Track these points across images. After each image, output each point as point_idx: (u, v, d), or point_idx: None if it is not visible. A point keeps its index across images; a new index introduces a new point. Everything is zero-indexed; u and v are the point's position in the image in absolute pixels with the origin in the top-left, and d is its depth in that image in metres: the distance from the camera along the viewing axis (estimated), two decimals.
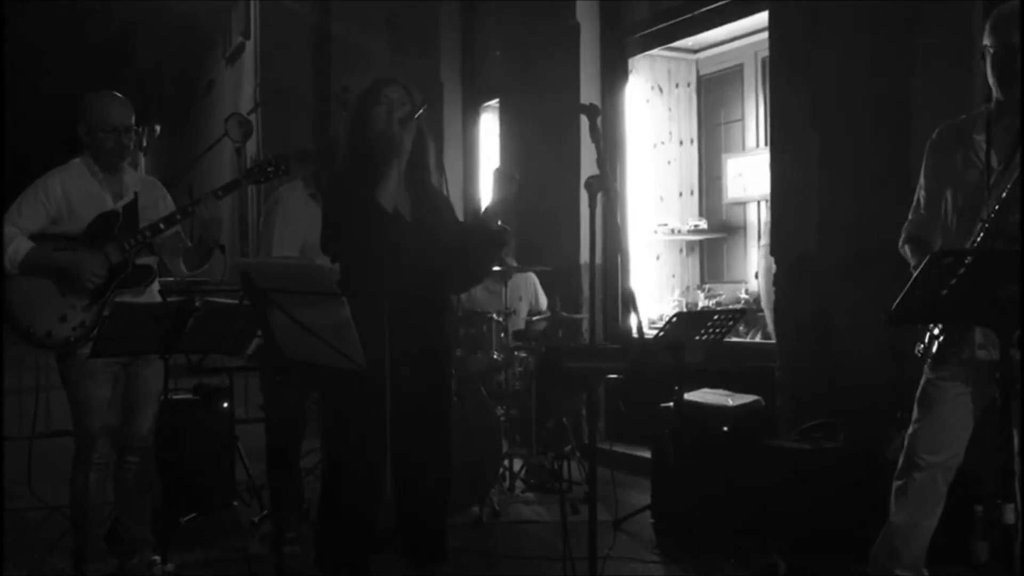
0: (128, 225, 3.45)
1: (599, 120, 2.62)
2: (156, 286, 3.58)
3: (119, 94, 3.55)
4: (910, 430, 2.93)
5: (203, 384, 4.59)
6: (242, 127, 4.99)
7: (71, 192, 3.43)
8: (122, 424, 3.51)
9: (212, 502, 4.37)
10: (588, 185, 2.55)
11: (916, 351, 2.87)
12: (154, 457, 3.62)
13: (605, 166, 2.56)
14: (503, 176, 3.05)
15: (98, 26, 15.68)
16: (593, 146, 2.60)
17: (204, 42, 16.14)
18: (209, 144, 6.15)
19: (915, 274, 2.16)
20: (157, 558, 3.45)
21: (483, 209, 3.04)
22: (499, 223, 3.00)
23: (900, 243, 3.00)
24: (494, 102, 7.66)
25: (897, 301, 2.17)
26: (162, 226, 3.43)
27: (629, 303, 6.30)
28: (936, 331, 2.80)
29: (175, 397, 4.32)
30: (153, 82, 17.65)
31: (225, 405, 4.56)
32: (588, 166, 6.14)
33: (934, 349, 2.78)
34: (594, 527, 2.64)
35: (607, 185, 2.51)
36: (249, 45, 13.07)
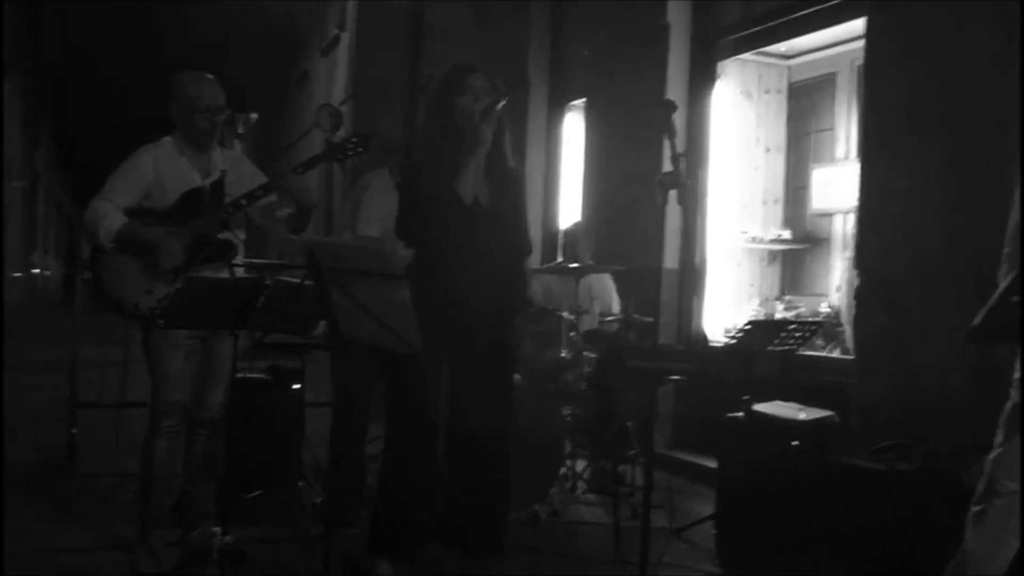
0: (215, 201, 3.53)
1: (675, 116, 2.57)
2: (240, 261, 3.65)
3: (209, 74, 3.63)
4: (992, 454, 2.79)
5: (277, 365, 4.66)
6: (333, 117, 5.04)
7: (161, 169, 3.53)
8: (195, 397, 3.60)
9: (277, 481, 4.43)
10: (660, 182, 2.50)
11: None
12: (223, 432, 3.69)
13: (678, 163, 2.50)
14: None
15: (199, 25, 16.16)
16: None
17: (300, 36, 16.49)
18: (300, 133, 6.26)
19: (999, 290, 2.05)
20: (217, 529, 3.52)
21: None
22: None
23: (1001, 276, 2.84)
24: (580, 102, 7.62)
25: (979, 318, 2.07)
26: (243, 202, 3.50)
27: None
28: None
29: (249, 376, 4.40)
30: (250, 73, 18.14)
31: (297, 387, 4.63)
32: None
33: None
34: (647, 531, 2.59)
35: (679, 182, 2.45)
36: (344, 37, 13.28)
